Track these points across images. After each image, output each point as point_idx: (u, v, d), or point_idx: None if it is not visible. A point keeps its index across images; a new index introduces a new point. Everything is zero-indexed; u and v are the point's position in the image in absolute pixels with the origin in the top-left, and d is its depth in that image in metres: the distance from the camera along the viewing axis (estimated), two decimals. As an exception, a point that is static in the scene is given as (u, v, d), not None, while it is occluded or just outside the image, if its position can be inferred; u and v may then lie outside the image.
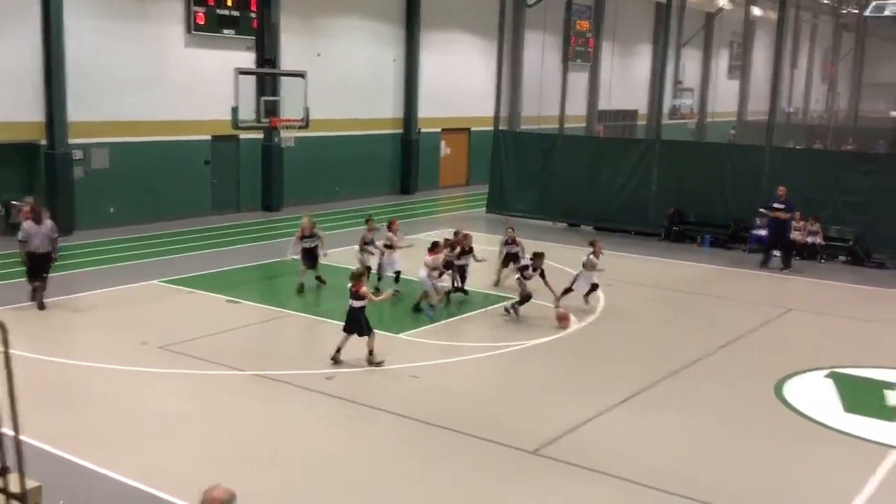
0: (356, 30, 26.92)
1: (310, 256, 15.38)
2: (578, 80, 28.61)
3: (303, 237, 15.38)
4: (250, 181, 24.36)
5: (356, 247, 15.71)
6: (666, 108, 31.98)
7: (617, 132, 34.69)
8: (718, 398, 10.93)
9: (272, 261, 17.78)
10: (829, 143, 37.54)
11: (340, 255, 16.64)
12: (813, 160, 22.47)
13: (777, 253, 18.94)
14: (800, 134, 39.37)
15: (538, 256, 14.18)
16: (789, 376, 11.61)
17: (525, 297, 14.00)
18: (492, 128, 25.80)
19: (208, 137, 23.01)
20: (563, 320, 13.67)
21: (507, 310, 14.10)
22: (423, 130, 29.31)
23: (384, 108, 28.18)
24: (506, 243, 16.26)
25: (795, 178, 19.32)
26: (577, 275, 14.86)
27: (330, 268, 15.86)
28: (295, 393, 10.57)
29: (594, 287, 14.92)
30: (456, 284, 15.19)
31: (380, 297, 12.50)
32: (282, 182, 24.75)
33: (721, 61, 44.04)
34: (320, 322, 13.69)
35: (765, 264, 18.75)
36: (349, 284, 11.59)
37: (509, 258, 15.89)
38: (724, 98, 42.63)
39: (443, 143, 30.89)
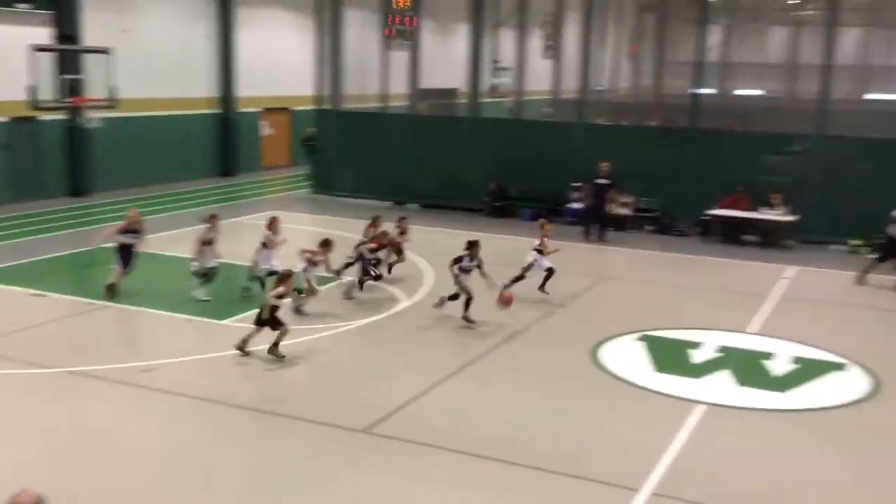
0: (166, 4, 25.69)
1: (126, 254, 13.59)
2: (400, 58, 28.66)
3: (125, 231, 13.65)
4: (54, 165, 22.77)
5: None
6: (485, 87, 32.73)
7: (440, 110, 35.16)
8: (539, 366, 11.36)
9: (82, 250, 16.72)
10: (636, 118, 39.71)
11: (160, 243, 15.89)
12: (621, 135, 23.74)
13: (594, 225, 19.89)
14: (610, 110, 41.37)
15: (474, 245, 13.00)
16: (604, 341, 12.24)
17: (464, 293, 12.74)
18: (314, 107, 25.46)
19: (5, 119, 21.29)
20: (505, 302, 12.82)
21: (465, 318, 12.77)
22: (242, 110, 28.49)
23: (199, 86, 27.11)
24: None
25: (606, 153, 20.25)
26: (533, 261, 14.17)
27: (149, 256, 15.06)
28: (110, 388, 10.03)
29: (550, 273, 14.14)
30: (373, 273, 14.24)
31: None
32: (91, 165, 23.30)
33: (535, 41, 45.51)
34: (136, 313, 13.04)
35: (588, 236, 19.62)
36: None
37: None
38: (540, 77, 44.07)
39: (264, 123, 30.17)
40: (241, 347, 11.09)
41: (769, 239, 19.37)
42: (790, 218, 19.27)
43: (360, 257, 14.27)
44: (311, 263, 13.26)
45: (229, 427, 9.25)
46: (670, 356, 11.78)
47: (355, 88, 27.07)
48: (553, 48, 46.24)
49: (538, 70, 44.00)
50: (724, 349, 12.05)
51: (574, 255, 17.46)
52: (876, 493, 8.22)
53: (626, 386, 10.72)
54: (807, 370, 11.36)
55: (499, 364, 11.41)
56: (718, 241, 19.63)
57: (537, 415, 9.77)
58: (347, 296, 13.96)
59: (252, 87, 28.63)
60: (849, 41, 54.30)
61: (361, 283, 14.24)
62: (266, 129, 30.43)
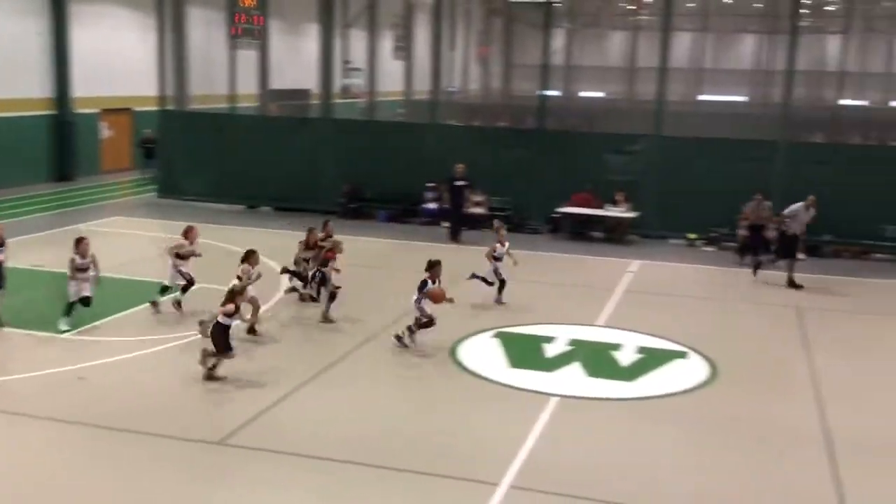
0: (-9, -1, 24.03)
1: None
2: (248, 58, 28.03)
3: None
4: None
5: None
6: (337, 88, 32.51)
7: (292, 111, 34.63)
8: (398, 367, 11.38)
9: None
10: (487, 119, 40.51)
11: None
12: (473, 135, 24.14)
13: (446, 225, 20.12)
14: (461, 111, 42.04)
15: (436, 265, 11.94)
16: (462, 339, 12.40)
17: (428, 322, 11.86)
18: (157, 108, 24.48)
19: None
20: (437, 298, 11.81)
21: (398, 337, 11.89)
22: (80, 111, 27.02)
23: (31, 87, 25.51)
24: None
25: (459, 153, 20.54)
26: (496, 269, 14.17)
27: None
28: (-62, 412, 9.27)
29: (503, 283, 14.20)
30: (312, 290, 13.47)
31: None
32: None
33: (386, 42, 45.63)
34: (-34, 329, 12.13)
35: (454, 237, 19.78)
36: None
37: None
38: (392, 77, 44.21)
39: (103, 125, 28.74)
40: (211, 376, 10.42)
41: (614, 235, 20.22)
42: (632, 214, 20.18)
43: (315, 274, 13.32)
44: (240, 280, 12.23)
45: (77, 447, 8.74)
46: (524, 351, 12.07)
47: (202, 89, 26.26)
48: (404, 49, 46.48)
49: (390, 71, 44.09)
50: (574, 342, 12.46)
51: (433, 255, 17.60)
52: (715, 472, 8.71)
53: (482, 382, 10.90)
54: (652, 359, 11.92)
55: (357, 367, 11.34)
56: (568, 237, 20.31)
57: (396, 416, 9.78)
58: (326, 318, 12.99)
59: (90, 87, 27.20)
60: (683, 45, 57.45)
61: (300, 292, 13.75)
62: (106, 131, 28.99)
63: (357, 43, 40.71)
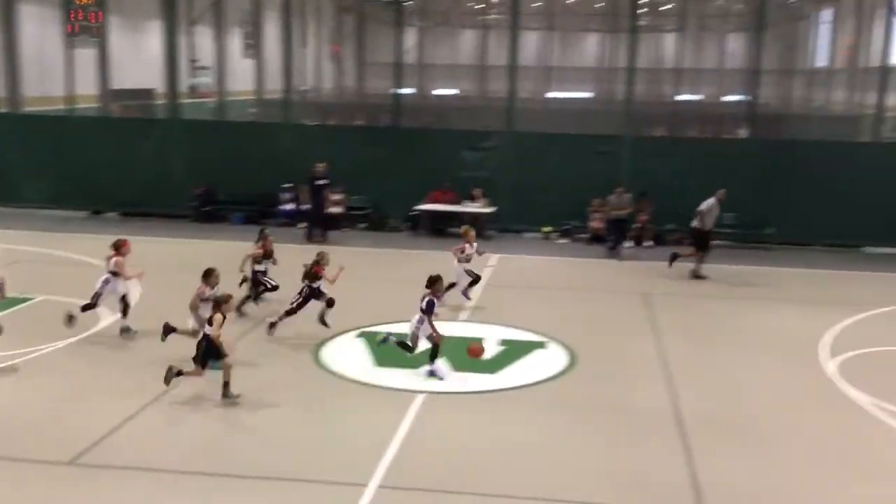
0: None
1: None
2: (87, 57, 26.66)
3: None
4: None
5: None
6: (183, 87, 31.43)
7: (136, 112, 33.21)
8: (260, 373, 11.11)
9: None
10: (342, 118, 40.25)
11: None
12: (328, 135, 23.93)
13: (304, 225, 19.84)
14: (316, 110, 41.57)
15: (436, 281, 11.39)
16: (325, 341, 12.26)
17: (435, 346, 11.13)
18: (-13, 110, 22.92)
19: None
20: (476, 354, 11.25)
21: (431, 373, 11.05)
22: None
23: None
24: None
25: (315, 153, 20.27)
26: (466, 269, 14.29)
27: None
28: None
29: (475, 279, 14.43)
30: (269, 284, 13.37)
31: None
32: None
33: (235, 40, 44.52)
34: None
35: (311, 237, 19.50)
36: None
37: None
38: (242, 77, 43.18)
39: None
40: (227, 394, 9.98)
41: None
42: (489, 210, 20.56)
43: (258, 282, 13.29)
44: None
45: None
46: (389, 350, 12.03)
47: (36, 90, 24.80)
48: (254, 47, 45.49)
49: (240, 70, 43.08)
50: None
51: (288, 256, 17.31)
52: (578, 457, 8.99)
53: (348, 383, 10.82)
54: (513, 351, 12.17)
55: (217, 376, 10.98)
56: (427, 234, 20.46)
57: (261, 423, 9.55)
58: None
59: None
60: (531, 44, 59.01)
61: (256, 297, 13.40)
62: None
63: (204, 41, 39.52)
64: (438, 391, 10.57)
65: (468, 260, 14.52)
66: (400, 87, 22.75)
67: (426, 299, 11.18)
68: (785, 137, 28.89)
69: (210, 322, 10.08)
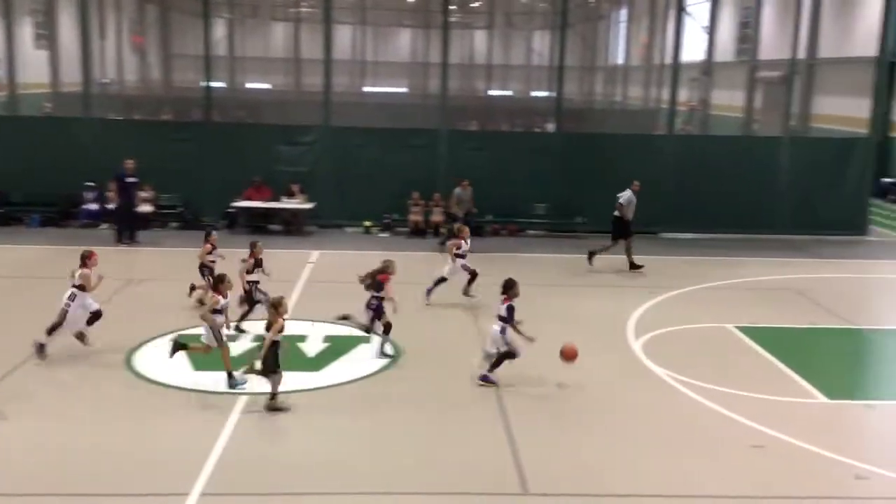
0: None
1: None
2: None
3: None
4: None
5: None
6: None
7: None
8: (68, 381, 10.44)
9: None
10: (148, 112, 38.37)
11: None
12: (134, 130, 22.82)
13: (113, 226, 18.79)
14: (119, 104, 39.41)
15: (514, 286, 10.75)
16: (139, 347, 11.68)
17: (511, 355, 10.61)
18: None
19: None
20: (569, 356, 10.71)
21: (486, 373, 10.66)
22: None
23: None
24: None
25: (120, 149, 19.18)
26: (463, 265, 14.31)
27: None
28: None
29: (473, 276, 14.30)
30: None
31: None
32: None
33: (26, 29, 41.39)
34: None
35: (121, 241, 18.43)
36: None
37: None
38: (34, 69, 40.23)
39: None
40: (275, 406, 9.64)
41: (292, 227, 20.21)
42: (308, 205, 20.30)
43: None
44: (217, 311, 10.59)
45: None
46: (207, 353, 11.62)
47: None
48: (47, 38, 42.49)
49: (33, 61, 40.11)
50: (259, 338, 12.22)
51: (104, 259, 16.40)
52: (404, 450, 9.07)
53: (165, 390, 10.35)
54: (337, 347, 12.09)
55: (18, 389, 10.20)
56: (245, 231, 19.92)
57: (71, 437, 8.95)
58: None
59: None
60: (345, 38, 58.72)
61: None
62: None
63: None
64: (261, 392, 10.31)
65: (464, 256, 14.41)
66: (210, 80, 21.96)
67: (505, 306, 10.61)
68: (588, 131, 30.41)
69: (268, 328, 9.71)
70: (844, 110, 29.83)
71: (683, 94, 43.24)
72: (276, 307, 9.82)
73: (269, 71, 58.68)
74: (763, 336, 12.71)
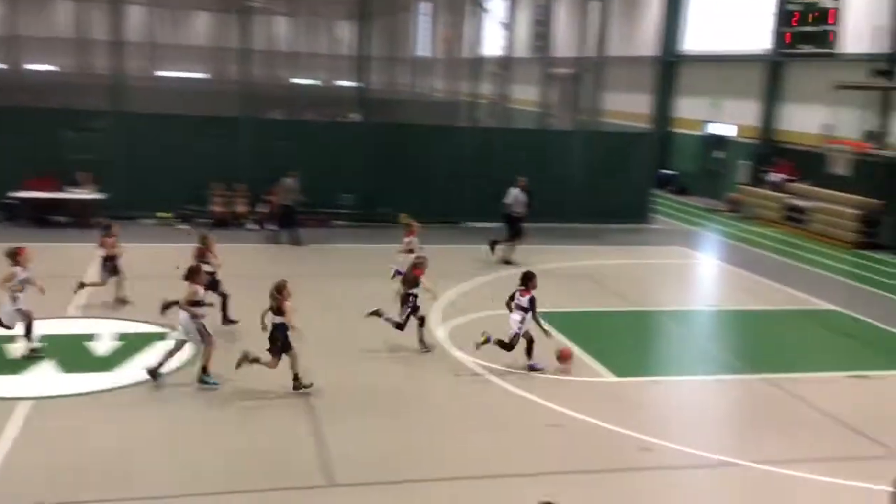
0: None
1: None
2: None
3: None
4: None
5: None
6: None
7: None
8: None
9: None
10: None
11: None
12: None
13: None
14: None
15: (533, 277, 11.31)
16: None
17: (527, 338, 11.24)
18: None
19: None
20: (565, 360, 11.41)
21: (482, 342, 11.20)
22: None
23: None
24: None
25: None
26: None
27: None
28: None
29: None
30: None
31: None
32: None
33: None
34: None
35: None
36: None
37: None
38: None
39: None
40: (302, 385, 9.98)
41: (80, 219, 18.92)
42: (99, 196, 19.10)
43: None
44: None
45: None
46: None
47: None
48: None
49: None
50: (44, 338, 11.40)
51: None
52: (206, 447, 8.76)
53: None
54: (131, 345, 11.50)
55: None
56: (28, 224, 18.48)
57: None
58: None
59: None
60: (137, 19, 55.77)
61: None
62: None
63: None
64: (48, 395, 9.63)
65: (412, 251, 13.87)
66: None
67: (528, 297, 11.03)
68: (394, 121, 30.65)
69: (279, 312, 9.84)
70: (631, 106, 31.87)
71: (485, 88, 44.57)
72: (280, 291, 9.96)
73: (54, 52, 54.63)
74: (561, 321, 13.34)
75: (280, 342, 9.96)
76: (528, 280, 11.25)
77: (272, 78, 51.92)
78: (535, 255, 18.21)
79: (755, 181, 26.36)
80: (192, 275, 10.37)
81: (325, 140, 21.09)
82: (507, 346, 11.23)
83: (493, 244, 17.90)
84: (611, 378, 11.48)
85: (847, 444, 9.68)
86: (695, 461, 9.09)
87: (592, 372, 11.63)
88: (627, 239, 21.16)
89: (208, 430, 9.20)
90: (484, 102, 44.27)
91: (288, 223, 18.63)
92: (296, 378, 10.08)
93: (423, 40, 61.71)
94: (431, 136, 22.49)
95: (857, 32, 22.73)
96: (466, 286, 15.63)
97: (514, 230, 18.07)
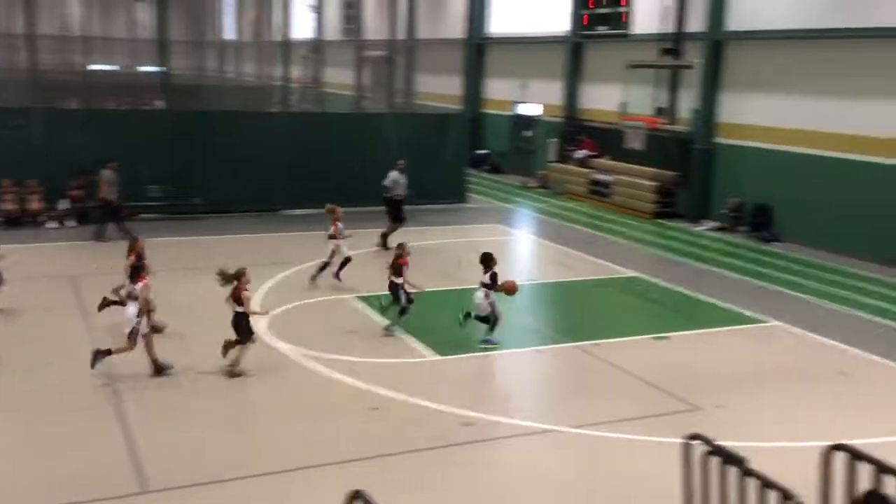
0: None
1: None
2: None
3: None
4: None
5: None
6: None
7: None
8: None
9: None
10: None
11: None
12: None
13: None
14: None
15: (491, 258, 12.15)
16: None
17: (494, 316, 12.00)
18: None
19: None
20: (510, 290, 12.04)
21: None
22: None
23: None
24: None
25: None
26: (335, 248, 14.26)
27: None
28: None
29: (346, 260, 14.37)
30: None
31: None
32: None
33: None
34: None
35: None
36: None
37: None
38: None
39: None
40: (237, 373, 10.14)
41: None
42: None
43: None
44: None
45: None
46: None
47: None
48: None
49: None
50: None
51: None
52: (7, 462, 8.13)
53: None
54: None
55: None
56: None
57: None
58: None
59: None
60: (71, 12, 51.27)
61: None
62: None
63: None
64: None
65: (341, 238, 14.34)
66: None
67: (489, 274, 11.80)
68: (201, 108, 29.51)
69: (239, 301, 9.94)
70: (443, 88, 32.36)
71: (296, 72, 43.83)
72: (239, 278, 9.96)
73: None
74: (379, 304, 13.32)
75: (245, 329, 10.18)
76: (487, 261, 12.06)
77: (66, 64, 48.68)
78: (354, 238, 18.18)
79: (562, 158, 27.51)
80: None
81: (128, 130, 19.97)
82: (486, 320, 11.99)
83: (384, 237, 17.72)
84: (432, 357, 11.63)
85: (656, 403, 10.31)
86: (514, 430, 9.38)
87: (415, 353, 11.74)
88: (446, 219, 21.50)
89: (8, 440, 8.52)
90: (296, 86, 43.55)
91: (113, 217, 17.55)
92: (236, 364, 10.23)
93: (230, 22, 59.80)
94: (242, 123, 21.82)
95: (647, 13, 24.10)
96: (283, 274, 15.37)
97: (396, 214, 17.95)
